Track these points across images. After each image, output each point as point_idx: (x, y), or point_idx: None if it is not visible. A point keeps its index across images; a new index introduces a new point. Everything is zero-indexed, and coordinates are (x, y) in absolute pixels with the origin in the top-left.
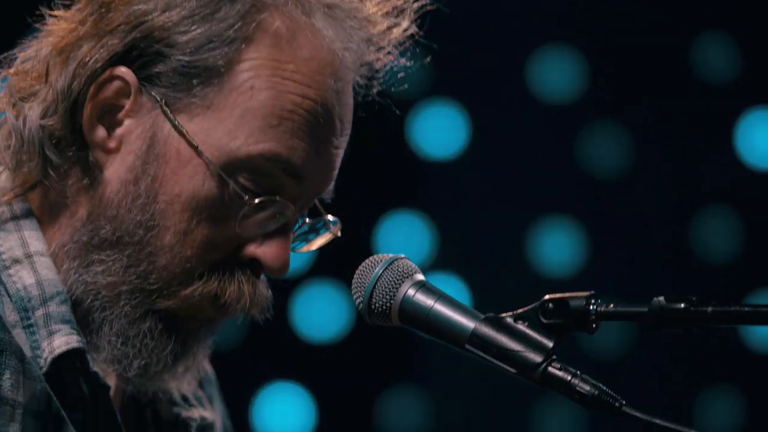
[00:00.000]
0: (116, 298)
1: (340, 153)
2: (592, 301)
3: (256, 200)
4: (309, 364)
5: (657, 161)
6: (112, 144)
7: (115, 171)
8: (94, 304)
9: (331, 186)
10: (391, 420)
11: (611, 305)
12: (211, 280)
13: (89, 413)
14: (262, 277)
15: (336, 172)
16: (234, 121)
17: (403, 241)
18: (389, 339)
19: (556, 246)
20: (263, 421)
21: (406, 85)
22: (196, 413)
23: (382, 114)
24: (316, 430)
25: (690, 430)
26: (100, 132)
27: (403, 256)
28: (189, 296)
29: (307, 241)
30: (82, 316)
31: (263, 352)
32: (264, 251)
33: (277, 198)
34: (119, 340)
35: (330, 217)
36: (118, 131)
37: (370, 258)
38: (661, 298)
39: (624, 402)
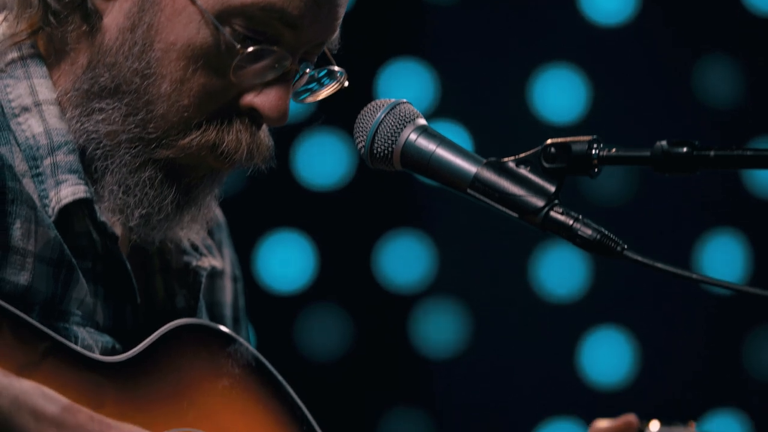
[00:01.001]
0: (117, 147)
1: (343, 2)
2: (595, 145)
3: (250, 49)
4: (311, 211)
5: (661, 7)
6: None
7: (114, 18)
8: (96, 153)
9: (336, 35)
10: (392, 266)
11: (613, 149)
12: (209, 130)
13: (98, 262)
14: (264, 126)
15: (339, 21)
16: None
17: (404, 88)
18: (391, 185)
19: (559, 92)
20: (265, 268)
21: None
22: (206, 262)
23: None
24: (317, 276)
25: (691, 273)
26: None
27: (405, 100)
28: (187, 146)
29: (312, 91)
30: (86, 165)
31: (265, 200)
32: (262, 100)
33: (275, 48)
34: (120, 189)
35: (336, 68)
36: None
37: (372, 103)
38: (664, 143)
39: (625, 246)
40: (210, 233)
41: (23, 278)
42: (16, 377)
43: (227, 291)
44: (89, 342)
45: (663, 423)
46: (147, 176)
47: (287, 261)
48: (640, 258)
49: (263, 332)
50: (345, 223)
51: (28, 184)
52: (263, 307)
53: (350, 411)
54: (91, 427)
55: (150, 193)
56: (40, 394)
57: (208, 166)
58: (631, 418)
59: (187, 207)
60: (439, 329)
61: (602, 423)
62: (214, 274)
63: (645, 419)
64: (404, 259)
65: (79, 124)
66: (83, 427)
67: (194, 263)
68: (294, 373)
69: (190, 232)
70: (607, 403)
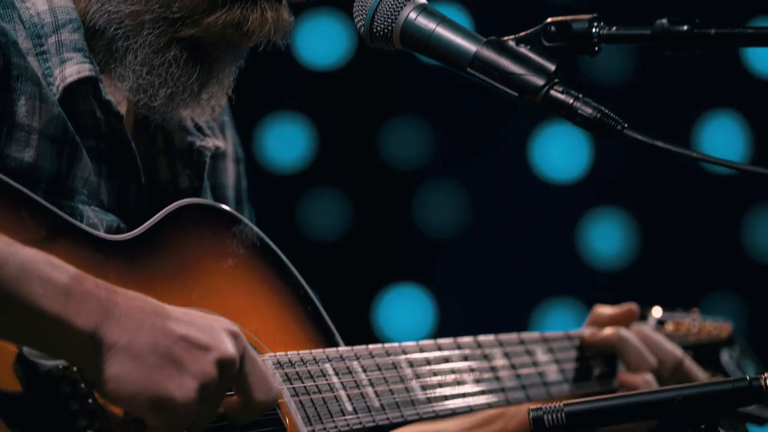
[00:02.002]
0: (139, 27)
1: None
2: (595, 23)
3: None
4: (311, 92)
5: None
6: None
7: None
8: (117, 33)
9: None
10: (391, 149)
11: (614, 28)
12: (234, 8)
13: (102, 141)
14: (284, 2)
15: None
16: None
17: None
18: (392, 67)
19: None
20: (266, 149)
21: None
22: (210, 142)
23: None
24: (318, 156)
25: (691, 152)
26: None
27: None
28: (212, 24)
29: None
30: (105, 45)
31: (266, 81)
32: None
33: None
34: (144, 69)
35: None
36: None
37: None
38: (664, 20)
39: (626, 125)
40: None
41: (28, 155)
42: (21, 245)
43: (230, 173)
44: (94, 220)
45: (665, 310)
46: (172, 56)
47: (288, 141)
48: (640, 136)
49: (265, 213)
50: (346, 103)
51: (32, 62)
52: (265, 188)
53: (351, 290)
54: (98, 294)
55: (175, 72)
56: (46, 262)
57: (229, 43)
58: (632, 306)
59: (208, 85)
60: (440, 209)
61: (604, 309)
62: (217, 156)
63: (646, 304)
64: (405, 139)
65: (99, 5)
66: (90, 294)
67: (198, 143)
68: (295, 252)
69: (205, 112)
70: (607, 284)
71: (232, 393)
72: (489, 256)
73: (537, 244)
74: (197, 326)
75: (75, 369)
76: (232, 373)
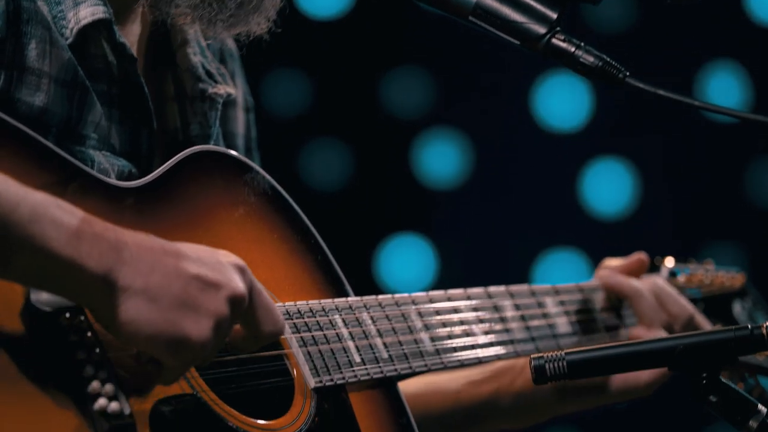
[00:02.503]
0: None
1: None
2: None
3: None
4: (311, 42)
5: None
6: None
7: None
8: None
9: None
10: (393, 99)
11: None
12: None
13: (113, 85)
14: None
15: None
16: None
17: None
18: (391, 18)
19: None
20: (267, 100)
21: None
22: (222, 89)
23: None
24: (318, 107)
25: (693, 100)
26: None
27: None
28: None
29: None
30: None
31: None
32: None
33: None
34: None
35: None
36: None
37: None
38: None
39: (628, 73)
40: (223, 62)
41: (39, 99)
42: (32, 189)
43: (240, 121)
44: (105, 166)
45: (678, 260)
46: None
47: (289, 91)
48: (642, 85)
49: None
50: (347, 53)
51: (42, 6)
52: (266, 137)
53: (352, 240)
54: (107, 236)
55: None
56: (56, 206)
57: None
58: (642, 255)
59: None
60: (441, 159)
61: (613, 262)
62: (227, 105)
63: (649, 253)
64: (407, 89)
65: None
66: (100, 236)
67: (210, 90)
68: (296, 202)
69: (229, 33)
70: (609, 233)
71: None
72: (490, 206)
73: (538, 194)
74: (207, 264)
75: (82, 318)
76: (242, 308)
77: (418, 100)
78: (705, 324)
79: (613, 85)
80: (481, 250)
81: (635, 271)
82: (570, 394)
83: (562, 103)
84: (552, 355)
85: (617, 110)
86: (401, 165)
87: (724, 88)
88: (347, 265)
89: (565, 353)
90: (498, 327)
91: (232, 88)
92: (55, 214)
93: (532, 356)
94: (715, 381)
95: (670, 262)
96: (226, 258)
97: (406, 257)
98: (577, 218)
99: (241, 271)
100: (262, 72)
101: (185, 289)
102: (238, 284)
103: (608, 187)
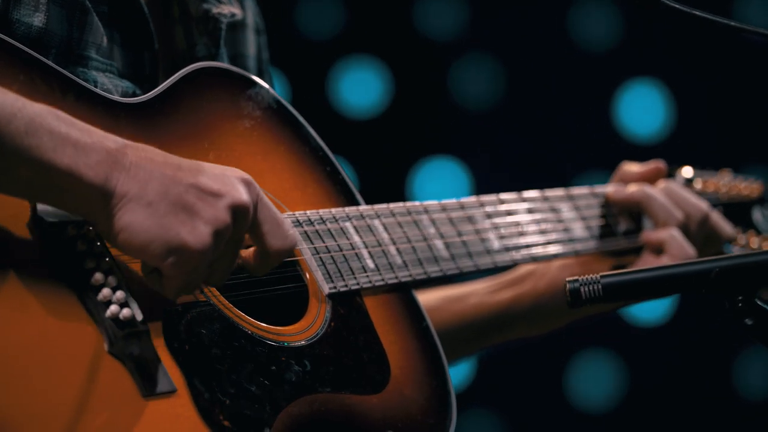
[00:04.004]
0: None
1: None
2: None
3: None
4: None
5: None
6: None
7: None
8: None
9: None
10: (430, 17)
11: None
12: None
13: (114, 7)
14: None
15: None
16: None
17: None
18: None
19: None
20: (300, 22)
21: None
22: (226, 9)
23: None
24: (353, 25)
25: (729, 21)
26: None
27: None
28: None
29: None
30: None
31: None
32: None
33: None
34: None
35: None
36: None
37: None
38: None
39: None
40: None
41: (37, 19)
42: (29, 101)
43: (250, 43)
44: (108, 86)
45: (695, 169)
46: None
47: (322, 12)
48: (677, 5)
49: (298, 83)
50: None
51: None
52: (298, 57)
53: (386, 163)
54: (107, 145)
55: None
56: (54, 116)
57: None
58: (659, 163)
59: None
60: (475, 81)
61: (630, 167)
62: (236, 26)
63: (678, 166)
64: (442, 11)
65: None
66: (99, 145)
67: (214, 10)
68: (328, 124)
69: None
70: (642, 155)
71: (249, 246)
72: (524, 128)
73: (572, 115)
74: (208, 174)
75: (91, 228)
76: (246, 219)
77: (453, 20)
78: (722, 223)
79: (649, 7)
80: (515, 172)
81: (651, 178)
82: None
83: (596, 21)
84: (587, 278)
85: (652, 30)
86: (436, 87)
87: (760, 11)
88: (381, 188)
89: (600, 276)
90: (513, 231)
91: (237, 8)
92: (53, 125)
93: (567, 279)
94: (751, 304)
95: (687, 171)
96: (231, 171)
97: (440, 180)
98: (611, 140)
99: (247, 183)
100: None
101: (182, 196)
102: (241, 194)
103: (642, 108)
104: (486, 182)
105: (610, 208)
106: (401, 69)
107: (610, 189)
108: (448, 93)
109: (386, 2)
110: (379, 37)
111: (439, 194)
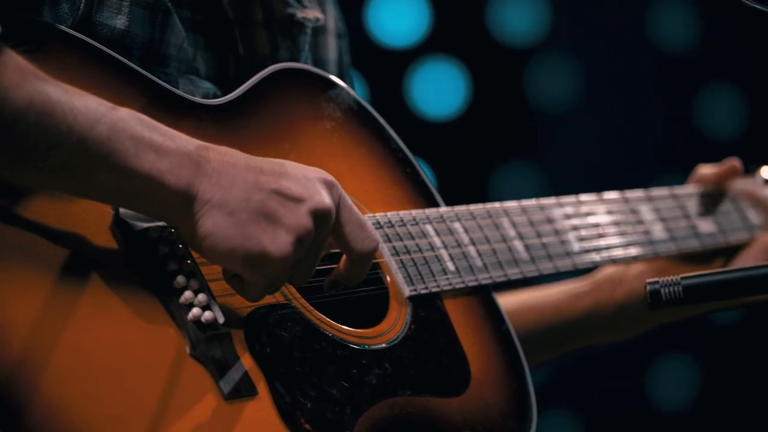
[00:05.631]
0: None
1: None
2: None
3: None
4: None
5: None
6: None
7: None
8: None
9: None
10: (506, 20)
11: None
12: None
13: (197, 12)
14: None
15: None
16: None
17: None
18: None
19: None
20: (377, 24)
21: None
22: (311, 13)
23: None
24: (431, 30)
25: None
26: None
27: None
28: None
29: None
30: None
31: None
32: None
33: None
34: None
35: None
36: None
37: None
38: None
39: None
40: None
41: (120, 22)
42: (111, 105)
43: (331, 48)
44: (189, 88)
45: None
46: None
47: (400, 15)
48: (758, 6)
49: (375, 88)
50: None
51: None
52: (375, 62)
53: (465, 166)
54: (189, 150)
55: None
56: (137, 121)
57: None
58: (734, 161)
59: None
60: (553, 83)
61: (706, 169)
62: (318, 31)
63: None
64: (519, 13)
65: None
66: (182, 151)
67: (299, 15)
68: (406, 127)
69: None
70: (720, 156)
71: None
72: (601, 130)
73: (650, 118)
74: (291, 178)
75: (173, 230)
76: (328, 223)
77: (531, 22)
78: None
79: (729, 5)
80: (591, 175)
81: (728, 178)
82: None
83: (675, 23)
84: (667, 280)
85: (732, 34)
86: (512, 88)
87: None
88: (460, 192)
89: (681, 278)
90: (593, 233)
91: (320, 12)
92: (135, 130)
93: (647, 281)
94: None
95: (765, 171)
96: (314, 173)
97: (518, 181)
98: (688, 142)
99: (329, 185)
100: None
101: (264, 203)
102: (323, 197)
103: (720, 111)
104: (563, 184)
105: (690, 209)
106: (479, 70)
107: (691, 188)
108: (526, 94)
109: (464, 4)
110: (458, 38)
111: (517, 195)
